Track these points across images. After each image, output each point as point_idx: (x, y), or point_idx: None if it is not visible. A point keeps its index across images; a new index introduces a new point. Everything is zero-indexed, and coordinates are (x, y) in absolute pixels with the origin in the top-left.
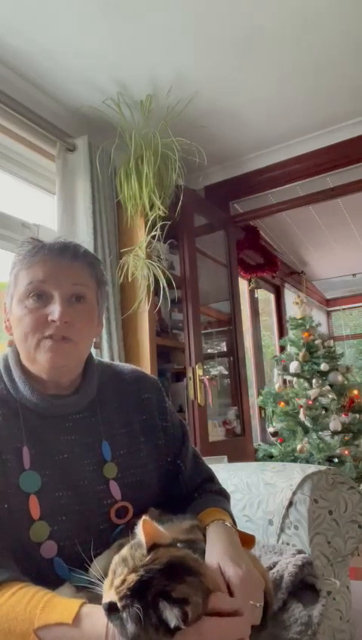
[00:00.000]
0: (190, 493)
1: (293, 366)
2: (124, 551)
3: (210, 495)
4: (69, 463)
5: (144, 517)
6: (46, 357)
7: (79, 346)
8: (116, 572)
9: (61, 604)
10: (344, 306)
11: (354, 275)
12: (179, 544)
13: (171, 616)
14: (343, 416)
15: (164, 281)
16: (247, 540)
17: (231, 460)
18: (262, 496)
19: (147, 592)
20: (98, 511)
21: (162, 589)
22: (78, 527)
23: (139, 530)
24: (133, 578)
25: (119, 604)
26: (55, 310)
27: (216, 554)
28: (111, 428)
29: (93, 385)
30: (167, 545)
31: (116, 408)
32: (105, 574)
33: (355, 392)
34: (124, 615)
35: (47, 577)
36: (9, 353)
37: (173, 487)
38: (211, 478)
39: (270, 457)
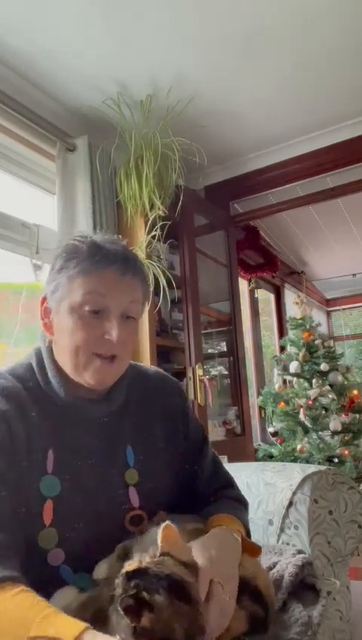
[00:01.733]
0: (206, 499)
1: (293, 366)
2: (150, 549)
3: (225, 501)
4: (91, 467)
5: (167, 522)
6: (94, 377)
7: (124, 362)
8: (132, 560)
9: (63, 621)
10: (344, 306)
11: (354, 275)
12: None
13: (121, 602)
14: (343, 416)
15: (164, 281)
16: (253, 550)
17: (231, 460)
18: (262, 496)
19: (129, 582)
20: (114, 517)
21: (141, 584)
22: (90, 532)
23: (159, 533)
24: (134, 566)
25: (117, 581)
26: (113, 330)
27: (194, 549)
28: (135, 433)
29: (123, 390)
30: (180, 561)
31: (139, 412)
32: (109, 578)
33: (355, 392)
34: (116, 592)
35: (53, 582)
36: (43, 351)
37: (189, 493)
38: (230, 484)
39: (270, 457)
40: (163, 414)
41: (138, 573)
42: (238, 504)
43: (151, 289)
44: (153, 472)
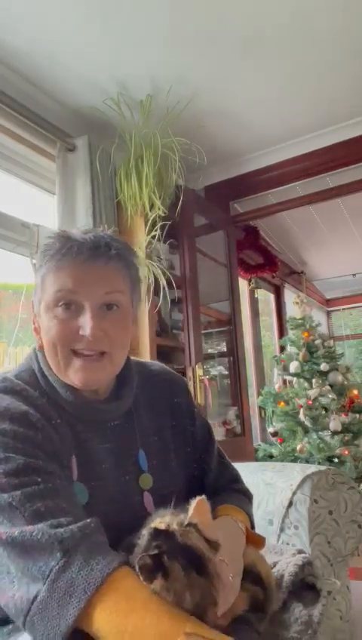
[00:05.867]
0: (214, 495)
1: (293, 366)
2: (181, 515)
3: (231, 493)
4: (109, 473)
5: (204, 497)
6: (77, 376)
7: (114, 357)
8: (163, 519)
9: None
10: (344, 306)
11: (354, 275)
12: None
13: (141, 559)
14: (343, 416)
15: (164, 281)
16: (257, 541)
17: (231, 460)
18: (262, 496)
19: (154, 540)
20: (131, 525)
21: (164, 547)
22: (110, 541)
23: (192, 504)
24: (160, 526)
25: (143, 532)
26: (86, 324)
27: None
28: (146, 435)
29: (132, 388)
30: (204, 536)
31: (149, 413)
32: None
33: (355, 392)
34: (140, 542)
35: None
36: (40, 358)
37: (195, 490)
38: (236, 479)
39: (270, 457)
40: (170, 415)
41: (164, 534)
42: (243, 497)
43: (152, 289)
44: (166, 476)
